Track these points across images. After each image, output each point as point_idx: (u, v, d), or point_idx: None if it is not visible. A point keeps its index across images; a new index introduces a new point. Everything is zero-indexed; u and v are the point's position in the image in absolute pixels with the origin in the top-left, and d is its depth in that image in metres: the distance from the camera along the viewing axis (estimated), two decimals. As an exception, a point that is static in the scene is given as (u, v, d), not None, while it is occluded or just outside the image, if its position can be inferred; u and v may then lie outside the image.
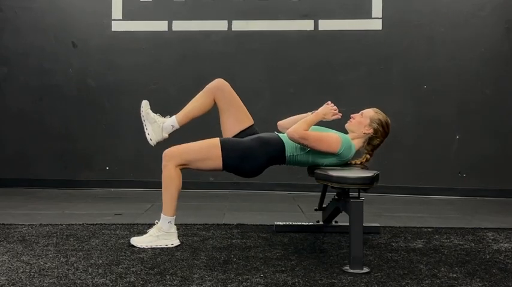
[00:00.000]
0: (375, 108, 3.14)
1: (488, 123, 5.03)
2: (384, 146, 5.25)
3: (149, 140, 3.13)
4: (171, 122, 3.12)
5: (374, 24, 5.13)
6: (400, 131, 5.12)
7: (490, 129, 5.03)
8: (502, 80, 5.03)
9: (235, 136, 3.12)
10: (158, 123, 3.12)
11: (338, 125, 3.12)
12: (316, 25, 5.18)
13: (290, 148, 3.01)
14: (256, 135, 3.06)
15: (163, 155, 2.99)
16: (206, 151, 2.96)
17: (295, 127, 2.91)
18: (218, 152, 2.94)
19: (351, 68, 5.13)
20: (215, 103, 3.19)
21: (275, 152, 3.00)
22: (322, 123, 3.04)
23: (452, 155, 5.07)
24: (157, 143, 3.14)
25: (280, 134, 3.09)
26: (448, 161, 5.07)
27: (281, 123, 3.30)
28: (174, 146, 3.03)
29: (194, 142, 3.02)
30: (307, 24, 5.19)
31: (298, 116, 3.19)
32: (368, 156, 3.12)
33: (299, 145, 2.98)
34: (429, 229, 3.50)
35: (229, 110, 3.16)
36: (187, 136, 3.19)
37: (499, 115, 5.03)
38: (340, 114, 3.05)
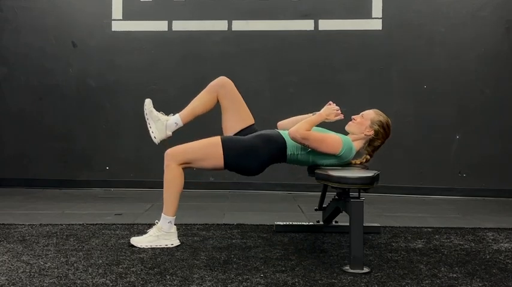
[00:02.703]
0: (376, 110, 3.13)
1: (488, 123, 5.03)
2: (384, 146, 5.27)
3: (153, 138, 3.11)
4: (175, 120, 3.12)
5: (374, 24, 5.13)
6: (400, 131, 5.10)
7: (490, 129, 5.03)
8: (502, 80, 5.03)
9: (236, 134, 3.12)
10: (162, 121, 3.11)
11: (338, 125, 3.12)
12: (316, 25, 5.18)
13: (291, 146, 3.00)
14: (258, 133, 3.06)
15: (165, 154, 2.99)
16: (208, 150, 2.95)
17: (297, 127, 2.90)
18: (219, 150, 2.93)
19: (351, 68, 5.13)
20: (218, 101, 3.18)
21: (277, 150, 3.00)
22: (324, 124, 3.04)
23: (452, 155, 5.07)
24: (161, 141, 3.13)
25: (281, 131, 3.08)
26: (448, 161, 5.07)
27: (281, 124, 3.28)
28: (176, 146, 3.03)
29: (196, 141, 3.02)
30: (307, 24, 5.19)
31: (299, 117, 3.18)
32: (368, 157, 3.12)
33: (299, 145, 2.98)
34: (429, 229, 3.50)
35: (231, 108, 3.16)
36: (190, 135, 3.18)
37: (499, 115, 5.03)
38: (343, 115, 3.04)
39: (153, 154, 5.27)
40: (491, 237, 3.29)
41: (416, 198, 4.92)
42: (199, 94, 3.21)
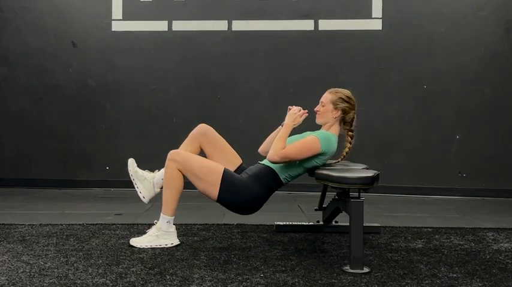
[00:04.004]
0: (330, 90, 3.09)
1: (488, 123, 5.03)
2: (384, 146, 5.28)
3: (142, 198, 3.08)
4: (161, 176, 3.07)
5: (374, 24, 5.13)
6: (400, 131, 5.13)
7: (490, 129, 5.03)
8: (502, 80, 5.03)
9: None
10: (148, 180, 3.09)
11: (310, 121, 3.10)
12: (316, 25, 5.18)
13: (280, 170, 2.97)
14: (248, 175, 2.97)
15: (169, 153, 2.98)
16: (207, 173, 2.89)
17: (273, 150, 2.88)
18: (218, 180, 2.86)
19: (351, 68, 5.13)
20: (201, 149, 3.15)
21: (270, 182, 2.96)
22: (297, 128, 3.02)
23: (452, 155, 5.07)
24: (150, 199, 3.11)
25: (265, 162, 3.02)
26: (448, 161, 5.07)
27: (262, 150, 3.22)
28: (182, 151, 3.02)
29: (202, 158, 2.99)
30: (307, 24, 5.19)
31: (272, 134, 3.16)
32: (350, 133, 3.07)
33: (287, 163, 2.94)
34: (429, 229, 3.50)
35: (216, 153, 3.12)
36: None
37: (499, 115, 5.03)
38: (306, 110, 3.03)
39: (153, 154, 5.28)
40: (491, 237, 3.29)
41: (416, 198, 4.92)
42: (182, 145, 3.14)
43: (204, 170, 2.90)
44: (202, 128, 3.16)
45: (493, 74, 5.04)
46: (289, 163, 2.95)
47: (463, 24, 5.05)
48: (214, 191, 2.88)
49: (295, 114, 3.01)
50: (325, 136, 2.95)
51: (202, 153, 3.16)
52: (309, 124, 3.10)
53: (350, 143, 3.07)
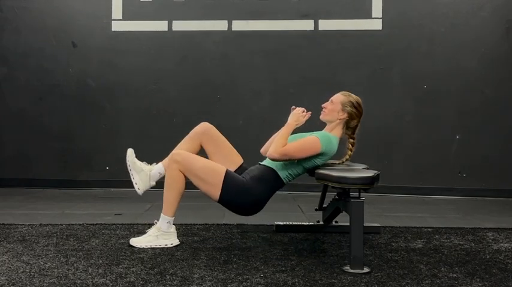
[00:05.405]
0: (343, 92, 3.09)
1: (488, 123, 5.03)
2: (384, 146, 5.28)
3: (137, 189, 3.08)
4: (158, 170, 3.10)
5: (374, 24, 5.13)
6: (400, 131, 5.13)
7: (490, 129, 5.03)
8: (502, 80, 5.03)
9: None
10: (145, 172, 3.09)
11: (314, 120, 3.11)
12: (316, 25, 5.18)
13: (282, 170, 2.97)
14: (251, 174, 2.96)
15: (171, 154, 2.98)
16: (208, 173, 2.89)
17: (273, 147, 2.88)
18: (219, 181, 2.86)
19: (351, 68, 5.13)
20: (202, 147, 3.14)
21: (272, 182, 2.96)
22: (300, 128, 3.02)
23: (452, 155, 5.07)
24: (145, 191, 3.12)
25: (266, 163, 3.02)
26: (448, 161, 5.07)
27: (263, 150, 3.21)
28: (184, 151, 3.00)
29: (205, 159, 2.98)
30: (307, 24, 5.19)
31: (273, 135, 3.14)
32: (351, 140, 3.08)
33: (287, 162, 2.95)
34: (429, 229, 3.50)
35: (217, 152, 3.11)
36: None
37: (499, 115, 5.03)
38: (310, 112, 3.04)
39: (153, 154, 5.28)
40: (491, 237, 3.29)
41: (416, 198, 4.92)
42: (182, 142, 3.15)
43: (206, 171, 2.89)
44: (205, 126, 3.16)
45: (493, 74, 5.04)
46: (289, 162, 2.95)
47: (463, 24, 5.05)
48: (216, 192, 2.88)
49: (298, 114, 3.02)
50: (326, 137, 2.95)
51: (202, 151, 3.15)
52: (312, 125, 3.10)
53: (351, 150, 3.07)
